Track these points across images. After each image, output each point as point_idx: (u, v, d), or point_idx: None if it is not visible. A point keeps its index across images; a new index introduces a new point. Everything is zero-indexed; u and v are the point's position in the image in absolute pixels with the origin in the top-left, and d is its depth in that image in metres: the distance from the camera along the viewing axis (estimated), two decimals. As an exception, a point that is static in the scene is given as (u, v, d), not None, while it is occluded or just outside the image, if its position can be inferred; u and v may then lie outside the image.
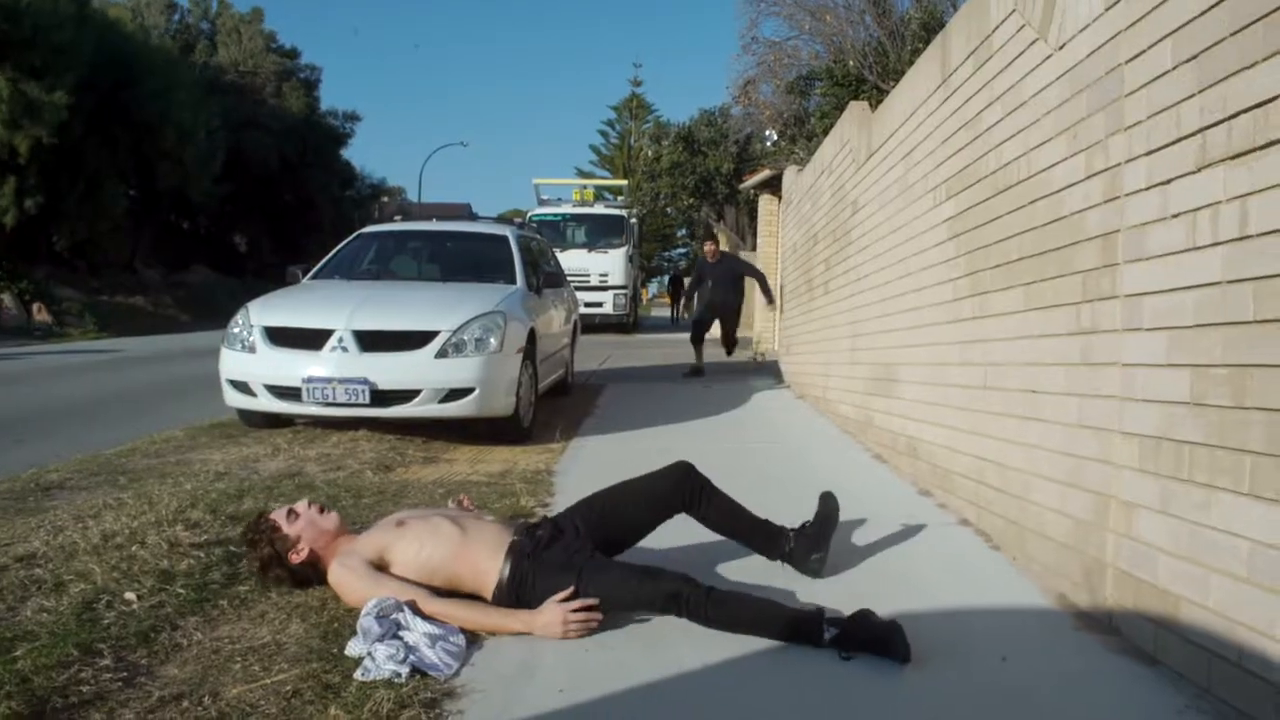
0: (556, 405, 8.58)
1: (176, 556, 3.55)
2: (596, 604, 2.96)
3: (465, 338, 6.46)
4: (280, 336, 6.68)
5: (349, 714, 2.36)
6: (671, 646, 2.86)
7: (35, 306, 22.80)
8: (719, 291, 12.01)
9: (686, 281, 19.96)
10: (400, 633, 2.86)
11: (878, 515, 4.41)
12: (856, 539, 4.05)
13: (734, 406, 8.69)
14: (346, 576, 3.10)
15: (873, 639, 2.76)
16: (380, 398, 6.32)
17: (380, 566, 3.13)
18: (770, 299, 12.10)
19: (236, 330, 6.86)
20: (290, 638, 2.91)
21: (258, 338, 6.69)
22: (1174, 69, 2.60)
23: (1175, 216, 2.60)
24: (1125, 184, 2.88)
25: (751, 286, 12.62)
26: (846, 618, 2.86)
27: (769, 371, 11.81)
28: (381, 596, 2.97)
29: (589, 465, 5.74)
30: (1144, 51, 2.76)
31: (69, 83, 23.98)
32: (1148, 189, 2.75)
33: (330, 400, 6.34)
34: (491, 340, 6.51)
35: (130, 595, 3.17)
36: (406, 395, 6.36)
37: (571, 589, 2.98)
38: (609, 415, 8.08)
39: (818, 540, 3.50)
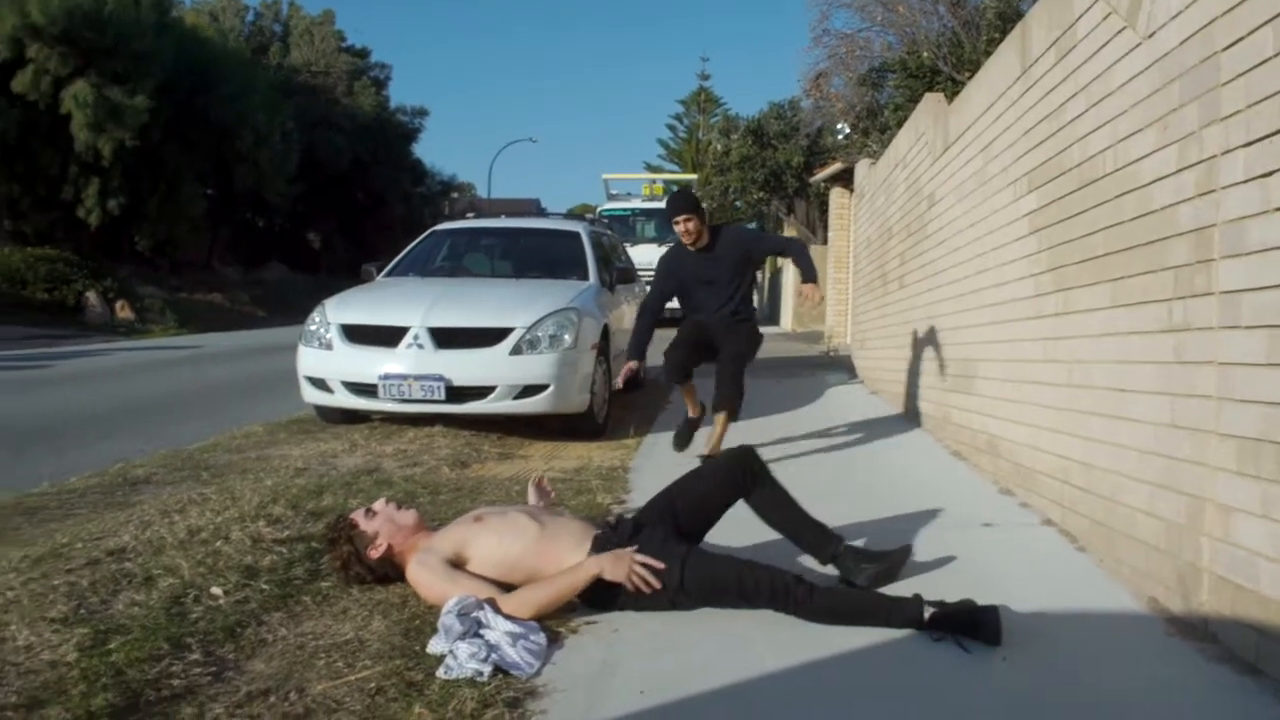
0: (630, 401, 8.58)
1: (260, 552, 3.61)
2: (662, 568, 3.00)
3: (539, 334, 6.49)
4: (357, 334, 6.77)
5: (433, 713, 2.38)
6: (751, 646, 2.84)
7: (118, 304, 23.41)
8: (713, 295, 5.90)
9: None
10: (482, 631, 2.88)
11: (957, 514, 4.34)
12: (936, 538, 3.98)
13: (807, 402, 8.61)
14: (424, 574, 3.13)
15: (969, 621, 2.81)
16: (455, 394, 6.38)
17: (458, 563, 3.15)
18: (812, 277, 5.89)
19: (314, 328, 6.97)
20: (373, 634, 2.94)
21: (335, 335, 6.79)
22: (1276, 56, 2.51)
23: (1277, 210, 2.51)
24: (1221, 177, 2.79)
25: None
26: (946, 602, 2.90)
27: (842, 366, 11.68)
28: (461, 594, 2.99)
29: (663, 461, 5.73)
30: (1243, 38, 2.66)
31: (149, 87, 24.60)
32: (1246, 182, 2.65)
33: (406, 397, 6.41)
34: (565, 337, 6.53)
35: (216, 590, 3.23)
36: (481, 391, 6.41)
37: (635, 548, 3.03)
38: (680, 411, 8.04)
39: (876, 558, 3.40)
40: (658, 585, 2.99)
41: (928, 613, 2.85)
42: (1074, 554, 3.81)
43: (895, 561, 3.40)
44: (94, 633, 2.82)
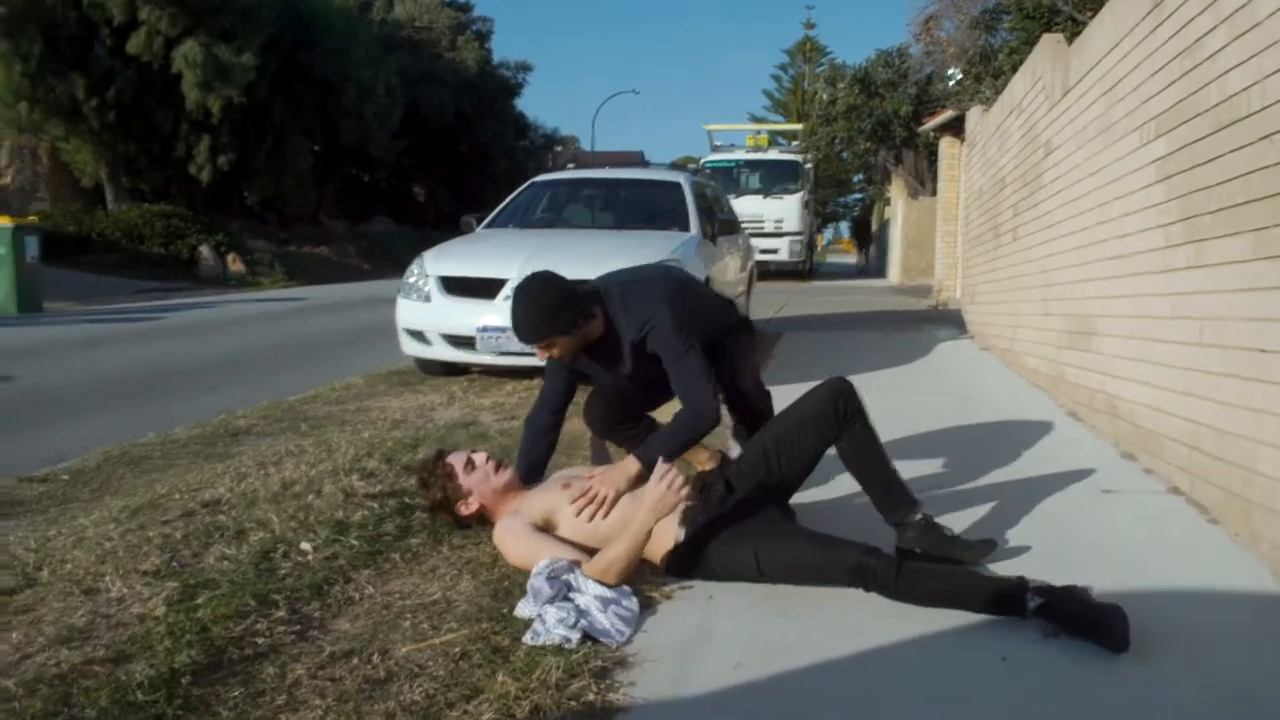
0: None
1: (351, 507, 3.57)
2: (689, 479, 2.86)
3: (638, 289, 6.31)
4: (455, 286, 6.71)
5: (517, 681, 2.27)
6: (854, 617, 2.67)
7: (230, 257, 23.96)
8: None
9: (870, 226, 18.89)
10: (571, 595, 2.77)
11: (1074, 479, 4.09)
12: (1051, 505, 3.75)
13: (916, 358, 8.32)
14: (509, 540, 3.03)
15: (1086, 619, 2.48)
16: (554, 346, 6.27)
17: (546, 529, 3.04)
18: (647, 457, 3.16)
19: (412, 280, 6.94)
20: (460, 595, 2.86)
21: (433, 287, 6.75)
22: None
23: None
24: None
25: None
26: (1056, 588, 2.57)
27: (950, 321, 11.29)
28: (552, 557, 2.88)
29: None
30: None
31: (256, 44, 24.90)
32: None
33: (504, 349, 6.35)
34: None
35: (306, 545, 3.18)
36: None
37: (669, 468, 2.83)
38: (785, 364, 7.84)
39: (948, 544, 3.07)
40: (690, 500, 2.84)
41: (1033, 603, 2.53)
42: (1205, 526, 3.53)
43: (968, 558, 3.04)
44: (183, 587, 2.80)
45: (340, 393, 6.62)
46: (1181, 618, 2.71)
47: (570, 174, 9.91)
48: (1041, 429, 5.18)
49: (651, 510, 2.82)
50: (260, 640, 2.50)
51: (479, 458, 3.25)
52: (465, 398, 6.29)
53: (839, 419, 3.08)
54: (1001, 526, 3.44)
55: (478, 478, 3.20)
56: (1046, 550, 3.21)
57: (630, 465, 3.10)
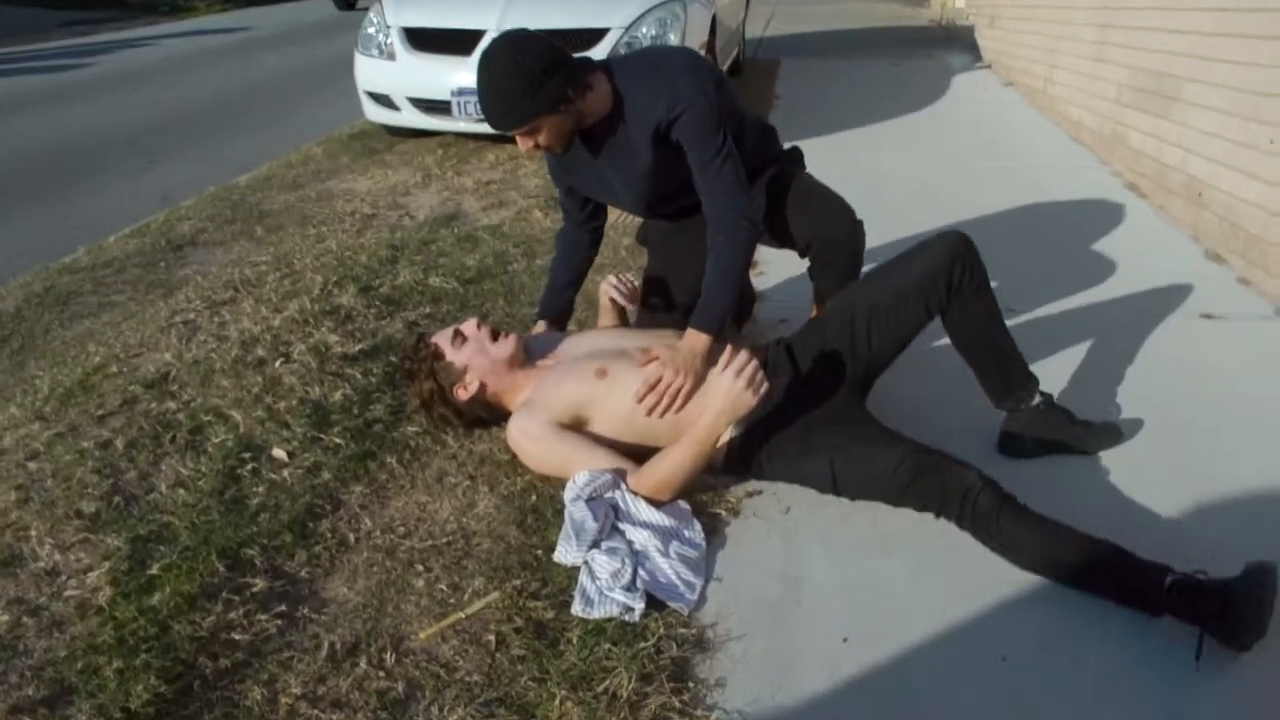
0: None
1: (329, 380, 2.93)
2: (757, 364, 2.21)
3: (641, 34, 5.39)
4: (423, 40, 5.73)
5: (580, 704, 1.74)
6: (988, 573, 2.11)
7: (160, -23, 21.89)
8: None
9: None
10: (620, 524, 2.21)
11: (1163, 297, 3.46)
12: (1140, 336, 3.17)
13: (935, 97, 7.39)
14: (529, 446, 2.41)
15: (1231, 619, 1.80)
16: (541, 111, 5.42)
17: (574, 426, 2.42)
18: (704, 324, 2.46)
19: (371, 32, 5.94)
20: (479, 523, 2.29)
21: (397, 41, 5.77)
22: None
23: None
24: None
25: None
26: (1203, 581, 1.85)
27: (960, 43, 10.12)
28: (589, 470, 2.30)
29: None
30: None
31: None
32: None
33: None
34: (671, 36, 5.43)
35: (279, 452, 2.58)
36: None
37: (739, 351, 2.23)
38: (792, 110, 7.00)
39: (1069, 429, 2.47)
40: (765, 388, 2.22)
41: (1170, 579, 1.86)
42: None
43: (1091, 448, 2.48)
44: (131, 546, 2.21)
45: (297, 170, 5.81)
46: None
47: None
48: (1104, 211, 4.47)
49: (723, 412, 2.20)
50: (237, 637, 1.94)
51: (468, 327, 2.57)
52: (442, 175, 5.50)
53: (951, 288, 2.37)
54: (1093, 381, 2.87)
55: (471, 351, 2.53)
56: (1157, 429, 2.63)
57: (697, 340, 2.41)
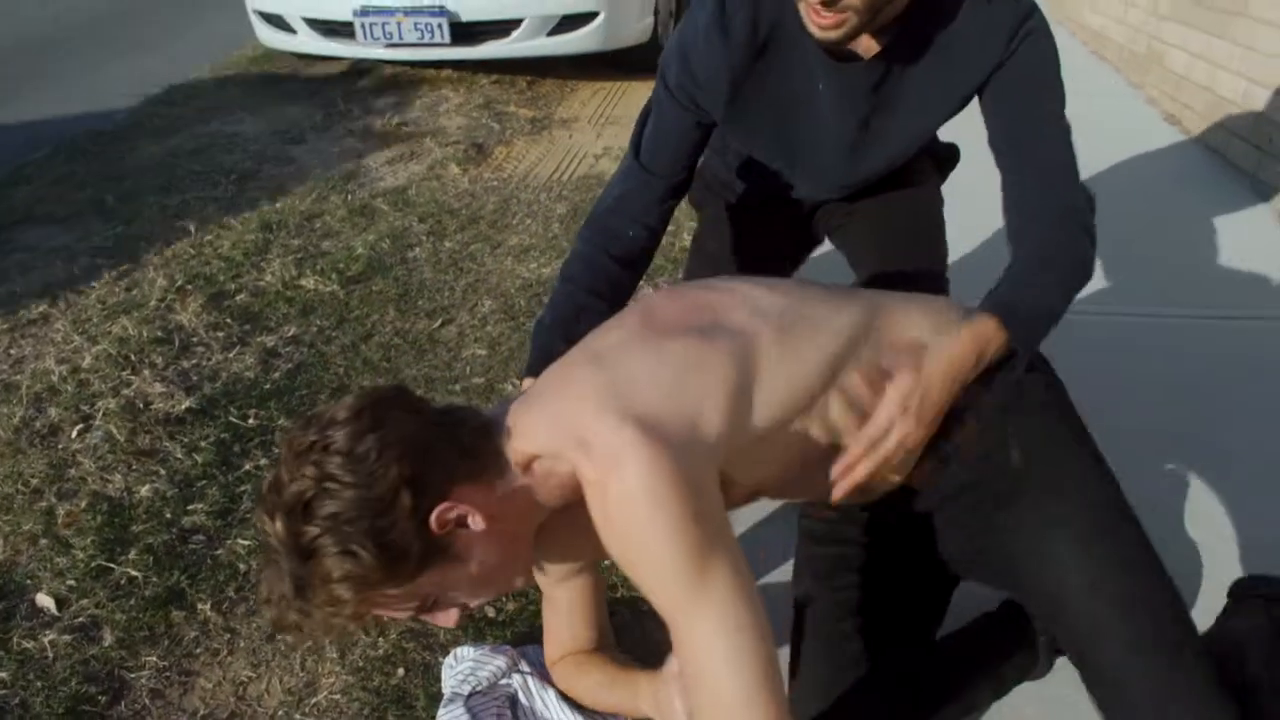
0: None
1: (137, 465, 2.12)
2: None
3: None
4: None
5: None
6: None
7: None
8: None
9: None
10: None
11: (1232, 256, 2.71)
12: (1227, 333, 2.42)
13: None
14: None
15: None
16: (464, 33, 4.51)
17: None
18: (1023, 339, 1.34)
19: (256, -62, 4.95)
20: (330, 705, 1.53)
21: (288, -50, 4.79)
22: None
23: None
24: None
25: None
26: None
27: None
28: (475, 648, 1.52)
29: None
30: None
31: None
32: None
33: (395, 40, 4.56)
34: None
35: (45, 600, 1.80)
36: (502, 28, 4.53)
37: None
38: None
39: None
40: None
41: None
42: None
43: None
44: None
45: (179, 108, 4.87)
46: None
47: None
48: (1143, 153, 3.67)
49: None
50: None
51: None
52: (347, 111, 4.62)
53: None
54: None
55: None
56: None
57: (975, 344, 1.27)
